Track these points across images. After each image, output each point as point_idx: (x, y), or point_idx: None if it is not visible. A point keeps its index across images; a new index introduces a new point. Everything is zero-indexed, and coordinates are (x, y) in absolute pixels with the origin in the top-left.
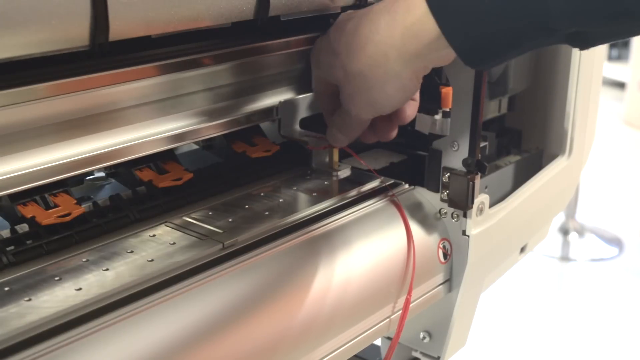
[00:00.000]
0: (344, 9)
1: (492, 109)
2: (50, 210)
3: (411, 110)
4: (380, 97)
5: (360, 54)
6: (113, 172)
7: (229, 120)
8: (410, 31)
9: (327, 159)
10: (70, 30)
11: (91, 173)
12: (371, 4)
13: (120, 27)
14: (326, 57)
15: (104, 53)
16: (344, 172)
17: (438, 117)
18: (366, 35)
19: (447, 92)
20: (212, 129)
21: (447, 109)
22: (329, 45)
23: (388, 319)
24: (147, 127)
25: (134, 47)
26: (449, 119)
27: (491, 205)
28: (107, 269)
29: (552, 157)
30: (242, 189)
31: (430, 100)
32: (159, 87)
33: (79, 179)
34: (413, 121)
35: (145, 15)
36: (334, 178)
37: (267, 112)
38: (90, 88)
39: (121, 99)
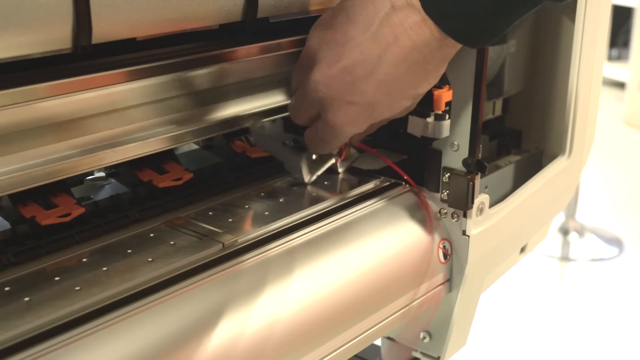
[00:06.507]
0: None
1: (487, 111)
2: (50, 210)
3: None
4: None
5: (432, 78)
6: (113, 172)
7: (229, 120)
8: (444, 45)
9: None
10: (52, 32)
11: (91, 173)
12: None
13: (104, 29)
14: (390, 110)
15: (87, 55)
16: (344, 172)
17: (430, 119)
18: (434, 63)
19: (440, 94)
20: (212, 129)
21: (440, 112)
22: (383, 104)
23: (391, 317)
24: (147, 127)
25: (122, 50)
26: (441, 122)
27: (491, 205)
28: (107, 269)
29: (552, 157)
30: (242, 189)
31: (422, 103)
32: (158, 87)
33: (79, 179)
34: (405, 123)
35: (129, 17)
36: (335, 178)
37: (267, 112)
38: (89, 88)
39: (121, 99)
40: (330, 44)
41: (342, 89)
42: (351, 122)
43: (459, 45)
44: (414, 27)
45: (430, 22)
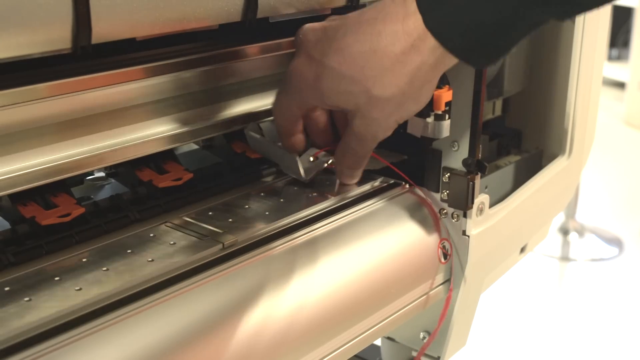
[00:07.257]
0: (335, 10)
1: (487, 111)
2: (50, 210)
3: None
4: (413, 110)
5: (390, 76)
6: (113, 172)
7: (229, 120)
8: (439, 50)
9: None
10: (52, 32)
11: (91, 173)
12: (363, 5)
13: (104, 29)
14: (336, 85)
15: (86, 56)
16: None
17: (430, 119)
18: (391, 57)
19: (440, 94)
20: (212, 129)
21: (440, 112)
22: (332, 71)
23: (391, 317)
24: (147, 127)
25: (123, 50)
26: (441, 122)
27: (491, 205)
28: (107, 269)
29: (552, 157)
30: (242, 189)
31: None
32: (158, 87)
33: (79, 179)
34: (405, 123)
35: (129, 17)
36: (335, 178)
37: (267, 112)
38: (89, 88)
39: (121, 99)
40: (338, 18)
41: (311, 41)
42: (297, 71)
43: (429, 49)
44: (392, 16)
45: (409, 17)
